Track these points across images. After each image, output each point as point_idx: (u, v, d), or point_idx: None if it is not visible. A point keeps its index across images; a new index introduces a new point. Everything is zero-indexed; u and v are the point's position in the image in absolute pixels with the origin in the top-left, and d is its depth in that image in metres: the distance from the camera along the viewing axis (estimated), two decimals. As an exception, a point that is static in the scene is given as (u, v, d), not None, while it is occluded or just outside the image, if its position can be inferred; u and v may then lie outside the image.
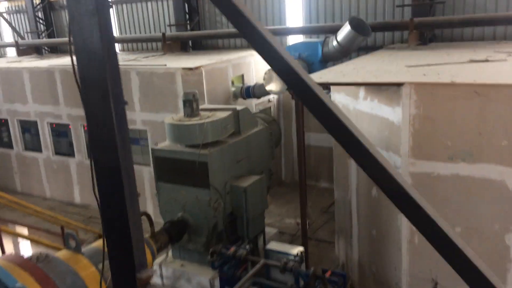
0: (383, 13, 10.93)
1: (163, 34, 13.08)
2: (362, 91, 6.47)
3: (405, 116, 5.51)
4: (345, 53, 10.08)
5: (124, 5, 14.91)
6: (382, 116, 5.99)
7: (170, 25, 13.91)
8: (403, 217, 5.80)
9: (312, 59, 10.10)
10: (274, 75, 9.68)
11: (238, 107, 7.93)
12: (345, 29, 9.51)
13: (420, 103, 5.40)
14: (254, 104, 11.14)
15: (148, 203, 10.64)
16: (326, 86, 7.40)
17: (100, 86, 2.29)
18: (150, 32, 14.58)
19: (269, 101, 11.90)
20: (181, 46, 13.28)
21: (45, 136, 12.13)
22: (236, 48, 13.28)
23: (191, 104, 7.43)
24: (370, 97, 6.25)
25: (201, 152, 7.06)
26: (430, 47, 9.39)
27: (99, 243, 5.87)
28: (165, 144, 7.63)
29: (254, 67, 11.51)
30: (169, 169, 7.47)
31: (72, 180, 11.97)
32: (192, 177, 7.24)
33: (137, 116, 10.25)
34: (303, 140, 6.72)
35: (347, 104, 6.97)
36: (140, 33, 14.83)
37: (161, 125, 8.86)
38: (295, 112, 6.67)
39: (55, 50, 16.97)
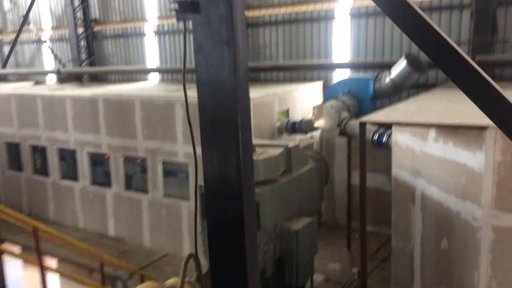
0: (436, 50, 10.49)
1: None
2: (432, 132, 5.96)
3: (489, 163, 4.97)
4: (397, 90, 9.65)
5: (166, 36, 14.96)
6: (458, 161, 5.45)
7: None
8: (480, 275, 5.20)
9: (363, 96, 9.70)
10: (324, 111, 9.28)
11: (290, 144, 7.51)
12: (400, 65, 9.10)
13: (507, 149, 4.86)
14: (298, 140, 10.72)
15: (185, 241, 10.17)
16: (388, 126, 6.94)
17: (226, 127, 1.86)
18: (191, 63, 14.46)
19: (312, 137, 11.46)
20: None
21: (83, 165, 11.91)
22: (278, 81, 12.99)
23: (241, 139, 7.07)
24: (443, 139, 5.73)
25: (252, 191, 6.63)
26: (492, 86, 8.84)
27: (146, 285, 5.52)
28: (213, 180, 7.23)
29: (299, 101, 11.16)
30: (216, 207, 7.04)
31: (107, 212, 11.64)
32: (241, 217, 6.79)
33: (180, 149, 9.92)
34: (364, 184, 6.23)
35: (413, 146, 6.46)
36: (180, 63, 14.76)
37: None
38: (360, 151, 6.20)
39: (95, 78, 17.09)
